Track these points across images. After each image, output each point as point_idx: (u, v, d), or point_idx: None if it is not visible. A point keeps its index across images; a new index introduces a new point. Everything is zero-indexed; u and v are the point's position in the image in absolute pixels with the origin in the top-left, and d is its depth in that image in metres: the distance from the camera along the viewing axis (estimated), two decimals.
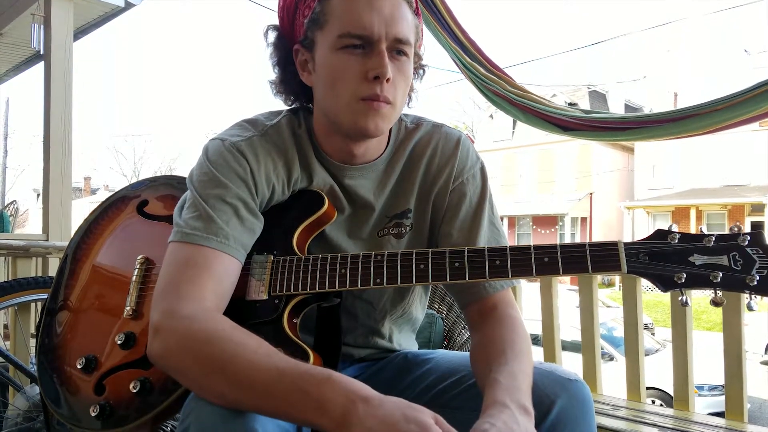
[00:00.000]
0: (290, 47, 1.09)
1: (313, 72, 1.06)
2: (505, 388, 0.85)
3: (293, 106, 1.15)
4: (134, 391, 1.00)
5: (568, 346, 4.52)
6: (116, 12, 4.66)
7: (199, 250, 0.96)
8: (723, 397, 2.27)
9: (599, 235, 23.46)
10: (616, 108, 25.09)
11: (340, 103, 1.01)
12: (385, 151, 1.13)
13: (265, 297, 1.01)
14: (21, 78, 6.33)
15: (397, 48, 1.00)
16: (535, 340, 2.99)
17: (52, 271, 3.04)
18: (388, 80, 0.98)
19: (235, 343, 0.85)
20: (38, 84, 4.05)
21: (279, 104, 1.16)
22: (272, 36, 1.11)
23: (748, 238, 0.86)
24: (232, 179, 1.02)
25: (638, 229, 22.03)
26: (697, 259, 0.87)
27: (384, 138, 1.12)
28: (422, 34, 1.10)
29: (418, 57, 1.09)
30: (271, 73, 1.13)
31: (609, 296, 14.68)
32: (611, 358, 7.53)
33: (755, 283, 0.84)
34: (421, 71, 1.14)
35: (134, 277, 1.13)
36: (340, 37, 0.99)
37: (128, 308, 1.10)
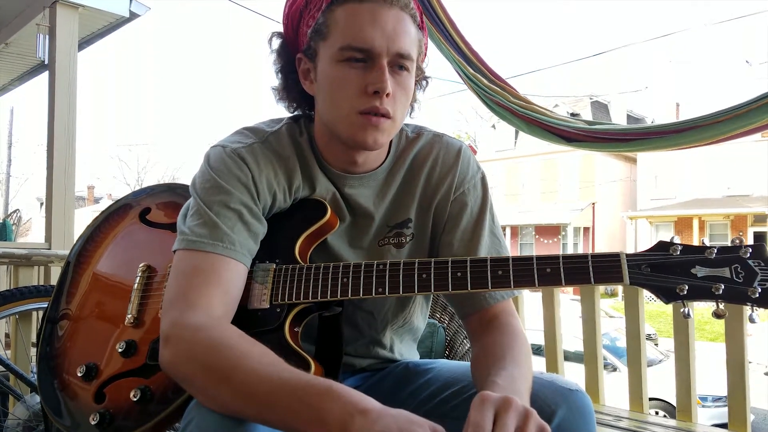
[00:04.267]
0: (293, 55, 1.10)
1: (315, 81, 1.06)
2: (503, 390, 0.84)
3: (295, 114, 1.15)
4: (134, 399, 0.99)
5: (570, 357, 4.51)
6: (121, 22, 4.69)
7: (206, 256, 0.96)
8: (726, 408, 2.26)
9: (602, 245, 23.42)
10: (618, 118, 25.11)
11: (340, 115, 1.02)
12: (385, 160, 1.13)
13: (267, 306, 1.01)
14: (26, 87, 6.38)
15: (399, 63, 1.00)
16: (538, 350, 2.99)
17: (54, 280, 3.04)
18: (387, 95, 0.99)
19: (239, 352, 0.85)
20: (43, 93, 4.08)
21: (280, 112, 1.17)
22: (276, 43, 1.12)
23: (750, 250, 0.85)
24: (235, 185, 1.02)
25: (641, 239, 21.99)
26: (699, 271, 0.87)
27: (384, 148, 1.12)
28: (426, 47, 1.11)
29: (420, 70, 1.09)
30: (275, 81, 1.14)
31: (612, 306, 14.63)
32: (614, 369, 7.50)
33: (757, 295, 0.84)
34: (423, 83, 1.14)
35: (136, 285, 1.13)
36: (341, 50, 0.99)
37: (129, 316, 1.10)
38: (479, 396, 0.76)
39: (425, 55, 1.11)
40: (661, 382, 6.29)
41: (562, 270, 0.91)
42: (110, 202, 1.33)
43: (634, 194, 24.26)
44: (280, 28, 1.13)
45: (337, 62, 1.00)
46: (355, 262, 1.02)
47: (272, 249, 1.06)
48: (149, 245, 1.22)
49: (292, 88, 1.12)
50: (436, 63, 1.19)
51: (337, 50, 0.99)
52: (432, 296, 1.42)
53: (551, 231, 24.43)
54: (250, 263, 1.02)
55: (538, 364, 1.22)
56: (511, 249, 1.19)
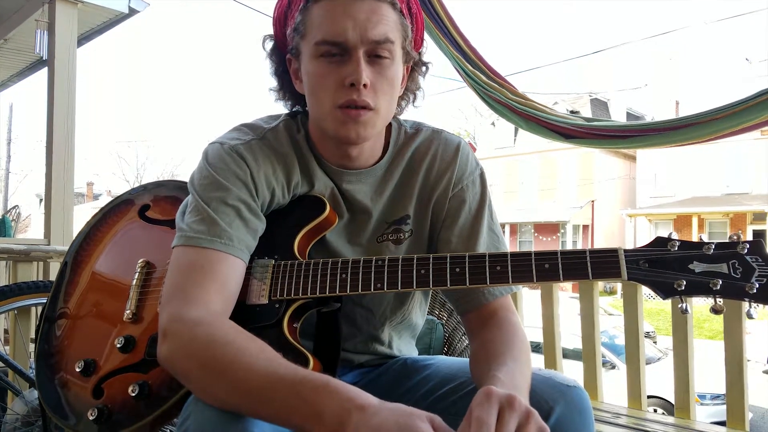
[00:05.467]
0: (285, 56, 1.11)
1: (302, 80, 1.07)
2: (503, 384, 0.85)
3: (293, 110, 1.16)
4: (133, 394, 0.99)
5: (569, 354, 4.51)
6: (120, 18, 4.68)
7: (204, 252, 0.97)
8: (725, 406, 2.27)
9: (601, 243, 23.41)
10: (618, 116, 25.07)
11: (323, 111, 1.02)
12: (383, 156, 1.13)
13: (265, 301, 1.01)
14: (25, 83, 6.36)
15: (377, 50, 1.00)
16: (536, 347, 2.99)
17: (53, 276, 3.04)
18: (365, 86, 0.98)
19: (236, 347, 0.85)
20: (42, 89, 4.06)
21: (279, 108, 1.17)
22: (268, 45, 1.13)
23: (748, 246, 0.86)
24: (233, 181, 1.02)
25: (640, 237, 22.00)
26: (697, 267, 0.87)
27: (381, 142, 1.13)
28: (416, 33, 1.09)
29: (408, 55, 1.07)
30: (273, 82, 1.15)
31: (611, 304, 14.64)
32: (613, 366, 7.51)
33: (754, 291, 0.84)
34: (423, 68, 1.14)
35: (134, 281, 1.13)
36: (317, 45, 1.00)
37: (128, 312, 1.10)
38: (483, 391, 0.76)
39: (415, 41, 1.09)
40: (659, 380, 6.29)
41: (560, 265, 0.92)
42: (109, 199, 1.33)
43: (634, 192, 24.25)
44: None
45: (315, 58, 1.01)
46: (354, 258, 1.02)
47: (271, 245, 1.06)
48: (148, 241, 1.22)
49: (286, 88, 1.13)
50: (435, 60, 1.18)
51: (314, 46, 1.00)
52: (430, 293, 1.42)
53: (550, 229, 24.44)
54: (248, 259, 1.02)
55: (537, 362, 1.22)
56: (510, 247, 1.19)
